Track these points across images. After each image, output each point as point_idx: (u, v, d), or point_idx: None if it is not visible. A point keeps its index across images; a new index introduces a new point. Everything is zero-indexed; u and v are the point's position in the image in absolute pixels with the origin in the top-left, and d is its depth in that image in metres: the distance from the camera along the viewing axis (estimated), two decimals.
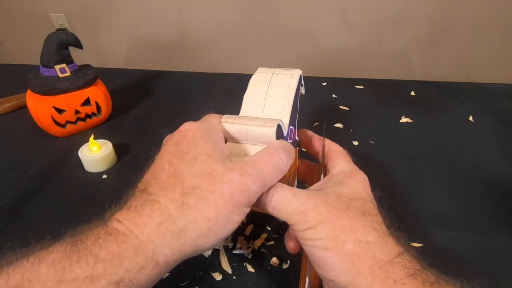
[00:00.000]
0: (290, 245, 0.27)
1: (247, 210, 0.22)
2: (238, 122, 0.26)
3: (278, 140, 0.25)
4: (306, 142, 0.32)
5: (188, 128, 0.24)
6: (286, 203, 0.23)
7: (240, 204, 0.21)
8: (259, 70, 0.31)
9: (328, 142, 0.30)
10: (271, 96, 0.28)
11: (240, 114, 0.28)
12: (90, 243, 0.18)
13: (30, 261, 0.18)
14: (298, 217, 0.22)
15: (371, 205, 0.23)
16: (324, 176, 0.28)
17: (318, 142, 0.31)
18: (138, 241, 0.19)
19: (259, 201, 0.23)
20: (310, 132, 0.32)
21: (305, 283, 0.26)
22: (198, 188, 0.21)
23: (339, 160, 0.27)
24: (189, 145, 0.23)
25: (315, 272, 0.24)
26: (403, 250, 0.21)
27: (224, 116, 0.27)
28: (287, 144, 0.25)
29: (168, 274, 0.30)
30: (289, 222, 0.23)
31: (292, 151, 0.25)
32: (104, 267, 0.17)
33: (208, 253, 0.32)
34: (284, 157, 0.23)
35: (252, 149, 0.26)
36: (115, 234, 0.19)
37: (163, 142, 0.25)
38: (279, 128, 0.25)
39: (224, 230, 0.21)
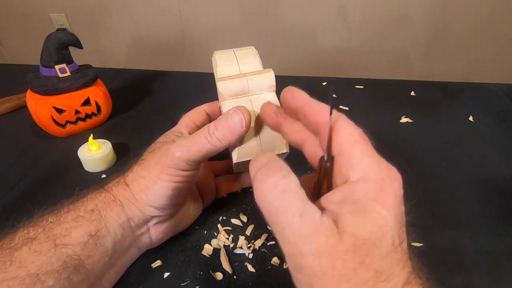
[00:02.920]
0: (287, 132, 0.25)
1: (178, 172, 0.27)
2: (236, 77, 0.29)
3: (228, 110, 0.27)
4: (294, 112, 0.23)
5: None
6: (288, 221, 0.17)
7: (166, 164, 0.27)
8: (217, 52, 0.32)
9: (337, 120, 0.19)
10: (244, 64, 0.31)
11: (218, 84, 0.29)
12: (76, 199, 0.28)
13: (55, 213, 0.26)
14: (294, 253, 0.17)
15: (393, 253, 0.16)
16: (327, 178, 0.19)
17: (319, 114, 0.20)
18: (103, 190, 0.28)
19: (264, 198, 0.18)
20: (302, 95, 0.22)
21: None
22: (143, 159, 0.29)
23: (358, 153, 0.18)
24: (156, 143, 0.30)
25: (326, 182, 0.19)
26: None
27: (217, 75, 0.30)
28: (224, 116, 0.26)
29: (168, 273, 0.30)
30: (283, 249, 0.17)
31: (228, 119, 0.26)
32: (82, 203, 0.27)
33: (209, 253, 0.32)
34: (211, 130, 0.26)
35: (260, 99, 0.29)
36: (92, 190, 0.28)
37: None
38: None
39: (158, 186, 0.27)
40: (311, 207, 0.17)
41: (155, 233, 0.30)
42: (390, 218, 0.16)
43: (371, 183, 0.17)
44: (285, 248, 0.17)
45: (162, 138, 0.30)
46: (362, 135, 0.19)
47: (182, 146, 0.27)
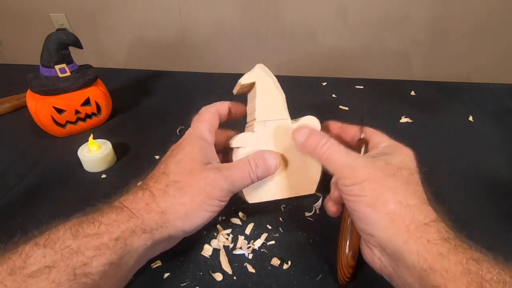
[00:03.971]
0: (331, 208, 0.30)
1: (219, 203, 0.27)
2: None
3: (258, 151, 0.30)
4: (335, 132, 0.34)
5: (185, 137, 0.30)
6: (339, 156, 0.26)
7: (211, 196, 0.26)
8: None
9: (366, 128, 0.32)
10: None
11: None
12: (96, 215, 0.24)
13: (50, 229, 0.23)
14: (347, 172, 0.25)
15: (416, 177, 0.25)
16: (366, 151, 0.30)
17: (350, 128, 0.33)
18: (131, 213, 0.25)
19: (314, 150, 0.28)
20: (336, 123, 0.35)
21: (346, 242, 0.28)
22: (179, 182, 0.27)
23: (383, 137, 0.30)
24: (179, 150, 0.29)
25: (356, 233, 0.27)
26: (439, 218, 0.23)
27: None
28: (261, 155, 0.30)
29: (168, 274, 0.30)
30: (337, 175, 0.26)
31: (266, 160, 0.30)
32: (106, 228, 0.23)
33: (208, 254, 0.32)
34: (253, 167, 0.29)
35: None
36: (115, 208, 0.25)
37: None
38: None
39: (197, 216, 0.26)
40: (352, 152, 0.27)
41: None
42: (407, 159, 0.26)
43: (394, 146, 0.28)
44: (338, 171, 0.26)
45: (190, 149, 0.28)
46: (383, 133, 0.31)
47: (229, 179, 0.27)
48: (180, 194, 0.26)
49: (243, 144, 0.31)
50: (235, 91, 0.34)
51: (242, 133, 0.32)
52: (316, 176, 0.33)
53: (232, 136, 0.32)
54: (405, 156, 0.27)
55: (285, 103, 0.33)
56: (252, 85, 0.33)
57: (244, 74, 0.32)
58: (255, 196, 0.32)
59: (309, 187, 0.33)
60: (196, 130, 0.31)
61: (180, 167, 0.27)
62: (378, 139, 0.30)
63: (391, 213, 0.23)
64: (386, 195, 0.23)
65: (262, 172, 0.29)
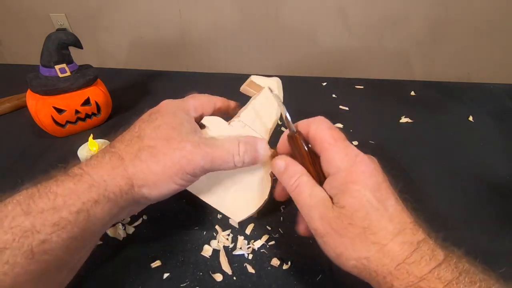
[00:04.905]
0: (302, 229, 0.29)
1: (192, 179, 0.26)
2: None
3: (250, 136, 0.28)
4: (305, 132, 0.28)
5: (164, 104, 0.28)
6: (302, 200, 0.25)
7: (185, 171, 0.24)
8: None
9: (310, 126, 0.26)
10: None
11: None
12: (48, 184, 0.22)
13: None
14: (307, 218, 0.25)
15: (375, 212, 0.22)
16: (306, 145, 0.26)
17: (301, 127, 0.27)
18: (91, 179, 0.23)
19: (287, 186, 0.26)
20: (303, 122, 0.28)
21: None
22: (153, 148, 0.24)
23: (330, 154, 0.24)
24: (159, 115, 0.26)
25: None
26: (419, 235, 0.22)
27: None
28: (253, 142, 0.28)
29: (168, 274, 0.30)
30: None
31: (257, 149, 0.28)
32: (63, 200, 0.21)
33: (208, 254, 0.32)
34: (241, 152, 0.26)
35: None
36: (72, 176, 0.23)
37: None
38: None
39: (165, 187, 0.25)
40: (317, 189, 0.24)
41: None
42: (363, 189, 0.22)
43: (343, 172, 0.23)
44: (305, 218, 0.25)
45: (171, 118, 0.26)
46: (332, 136, 0.25)
47: (208, 156, 0.25)
48: (152, 161, 0.24)
49: (212, 126, 0.29)
50: (243, 86, 0.34)
51: (218, 117, 0.30)
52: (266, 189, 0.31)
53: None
54: (358, 187, 0.22)
55: (274, 127, 0.32)
56: (258, 89, 0.33)
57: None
58: (239, 214, 0.30)
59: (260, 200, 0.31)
60: (184, 103, 0.29)
61: (158, 133, 0.25)
62: (326, 156, 0.24)
63: (353, 269, 0.23)
64: (346, 252, 0.22)
65: (250, 159, 0.27)
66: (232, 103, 0.33)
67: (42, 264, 0.20)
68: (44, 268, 0.20)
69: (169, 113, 0.27)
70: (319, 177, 0.25)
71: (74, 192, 0.22)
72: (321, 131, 0.25)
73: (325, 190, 0.24)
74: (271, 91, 0.32)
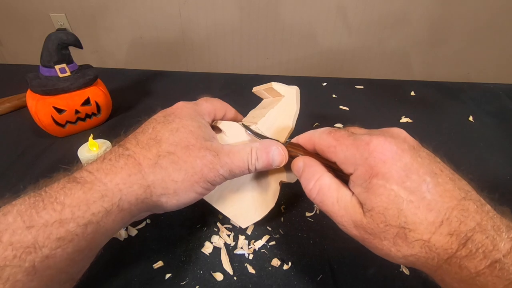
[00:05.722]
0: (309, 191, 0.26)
1: (212, 187, 0.25)
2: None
3: (265, 140, 0.28)
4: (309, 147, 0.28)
5: (179, 106, 0.27)
6: (329, 204, 0.23)
7: (206, 179, 0.24)
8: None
9: (312, 140, 0.26)
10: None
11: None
12: (54, 192, 0.20)
13: None
14: (340, 226, 0.23)
15: (408, 206, 0.19)
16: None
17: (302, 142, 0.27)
18: (105, 188, 0.21)
19: (307, 191, 0.24)
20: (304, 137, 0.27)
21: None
22: (173, 154, 0.23)
23: (338, 155, 0.23)
24: (175, 117, 0.25)
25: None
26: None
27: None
28: (268, 145, 0.27)
29: (170, 275, 0.30)
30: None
31: (268, 155, 0.26)
32: (71, 211, 0.19)
33: (209, 251, 0.32)
34: (253, 159, 0.26)
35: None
36: (82, 183, 0.21)
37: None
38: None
39: (186, 196, 0.24)
40: (342, 192, 0.22)
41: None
42: (388, 183, 0.20)
43: (361, 167, 0.21)
44: (338, 225, 0.23)
45: (188, 121, 0.25)
46: (336, 136, 0.23)
47: (227, 166, 0.25)
48: (173, 168, 0.23)
49: (229, 132, 0.29)
50: (258, 88, 0.33)
51: (236, 123, 0.30)
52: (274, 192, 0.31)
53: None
54: (382, 182, 0.20)
55: (289, 135, 0.32)
56: (277, 95, 0.32)
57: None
58: (245, 220, 0.30)
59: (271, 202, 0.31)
60: (199, 107, 0.28)
61: (176, 138, 0.24)
62: (342, 160, 0.23)
63: (408, 263, 0.21)
64: (391, 254, 0.20)
65: (262, 166, 0.27)
66: (240, 117, 0.33)
67: (45, 279, 0.19)
68: (46, 282, 0.19)
69: (186, 116, 0.26)
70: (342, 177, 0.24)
71: (83, 202, 0.20)
72: (323, 140, 0.24)
73: (351, 191, 0.22)
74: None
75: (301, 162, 0.25)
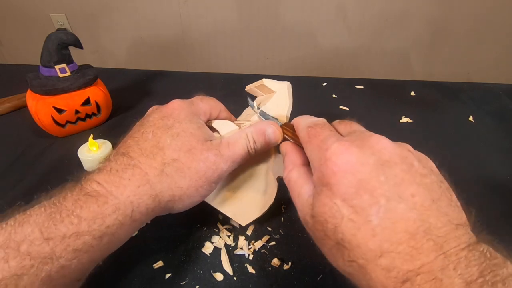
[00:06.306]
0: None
1: (215, 187, 0.26)
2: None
3: (257, 122, 0.28)
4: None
5: (175, 106, 0.27)
6: (293, 197, 0.24)
7: (210, 181, 0.25)
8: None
9: (295, 123, 0.26)
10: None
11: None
12: (70, 205, 0.21)
13: (10, 224, 0.19)
14: (300, 214, 0.23)
15: (347, 225, 0.18)
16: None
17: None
18: (117, 201, 0.21)
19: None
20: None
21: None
22: (177, 161, 0.24)
23: (307, 152, 0.23)
24: (174, 121, 0.25)
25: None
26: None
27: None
28: (261, 126, 0.27)
29: (170, 274, 0.30)
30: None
31: (266, 136, 0.27)
32: (88, 224, 0.20)
33: (209, 251, 0.32)
34: (255, 141, 0.27)
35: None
36: (96, 196, 0.21)
37: (148, 112, 0.29)
38: None
39: (192, 200, 0.25)
40: (305, 188, 0.22)
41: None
42: (334, 195, 0.19)
43: (317, 172, 0.21)
44: (298, 212, 0.23)
45: (187, 124, 0.25)
46: (310, 132, 0.23)
47: (229, 158, 0.25)
48: (179, 176, 0.23)
49: (223, 131, 0.30)
50: (250, 86, 0.34)
51: (229, 121, 0.30)
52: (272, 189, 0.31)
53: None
54: (325, 199, 0.19)
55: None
56: (269, 92, 0.33)
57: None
58: (245, 218, 0.31)
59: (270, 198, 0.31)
60: (195, 107, 0.28)
61: (178, 142, 0.24)
62: (309, 158, 0.23)
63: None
64: (332, 263, 0.21)
65: (261, 146, 0.27)
66: (232, 117, 0.33)
67: (59, 286, 0.20)
68: None
69: (184, 119, 0.26)
70: None
71: (99, 215, 0.21)
72: (300, 132, 0.24)
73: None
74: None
75: (283, 148, 0.27)
